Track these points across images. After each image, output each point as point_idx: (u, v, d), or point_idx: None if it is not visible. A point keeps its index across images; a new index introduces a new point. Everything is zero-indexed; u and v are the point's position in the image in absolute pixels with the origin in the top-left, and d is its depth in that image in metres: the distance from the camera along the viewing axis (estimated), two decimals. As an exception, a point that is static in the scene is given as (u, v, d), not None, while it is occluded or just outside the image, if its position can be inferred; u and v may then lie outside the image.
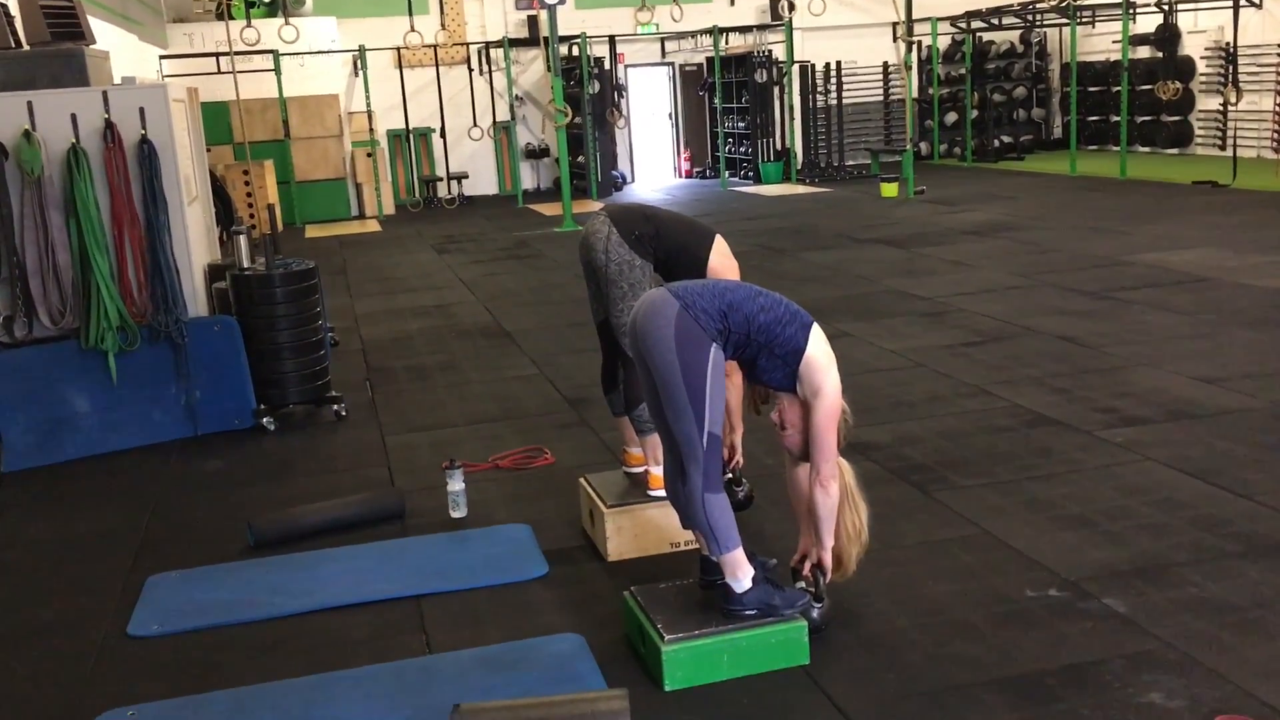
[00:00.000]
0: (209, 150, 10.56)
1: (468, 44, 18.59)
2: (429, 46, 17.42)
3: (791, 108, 18.44)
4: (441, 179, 18.20)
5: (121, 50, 12.21)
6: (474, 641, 3.69)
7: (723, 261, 4.33)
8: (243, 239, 6.34)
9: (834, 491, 3.49)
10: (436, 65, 17.73)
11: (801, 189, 17.33)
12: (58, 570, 4.56)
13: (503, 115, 18.64)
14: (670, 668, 3.31)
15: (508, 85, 18.24)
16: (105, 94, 5.98)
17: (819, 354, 3.44)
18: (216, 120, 16.27)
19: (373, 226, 15.85)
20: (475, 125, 17.78)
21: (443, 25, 18.77)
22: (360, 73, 17.24)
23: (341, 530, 4.65)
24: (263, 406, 6.21)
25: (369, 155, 17.11)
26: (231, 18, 16.81)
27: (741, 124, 19.18)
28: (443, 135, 18.04)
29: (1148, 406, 5.63)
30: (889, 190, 15.49)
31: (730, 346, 3.40)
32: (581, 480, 4.57)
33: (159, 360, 6.09)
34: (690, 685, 3.32)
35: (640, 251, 4.22)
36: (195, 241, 6.49)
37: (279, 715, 3.25)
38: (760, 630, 3.38)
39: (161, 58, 15.96)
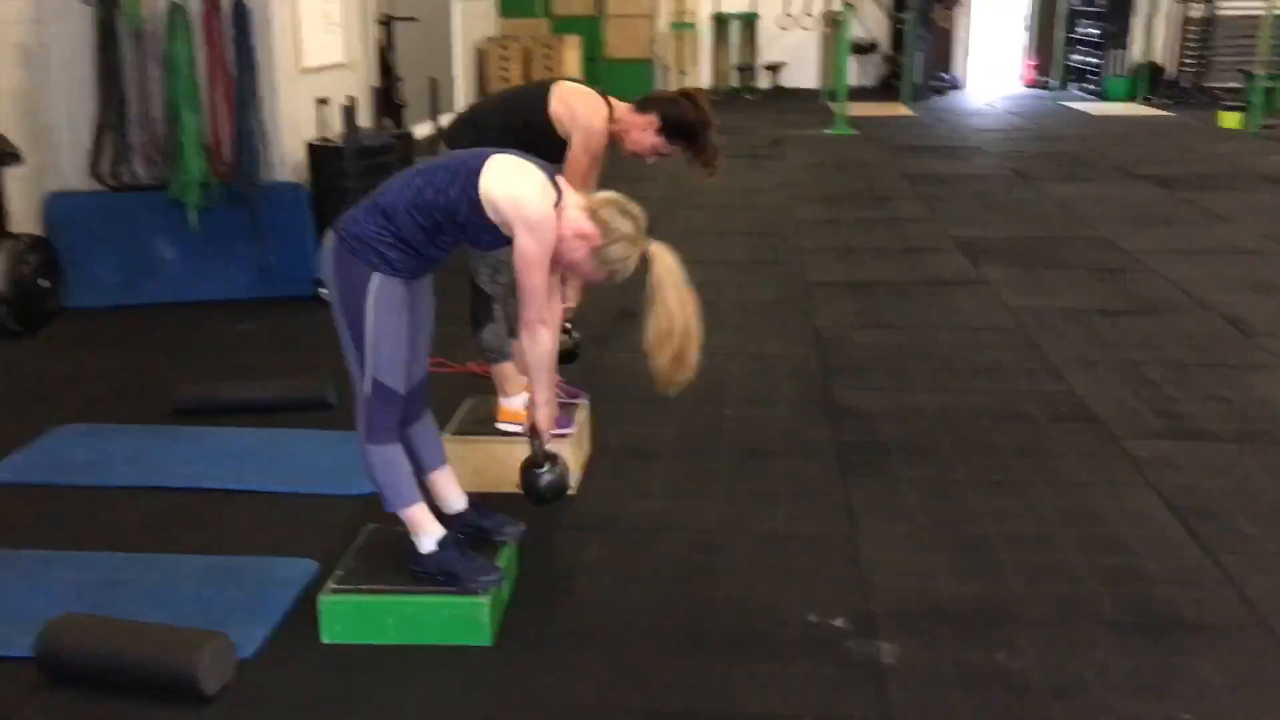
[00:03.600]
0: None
1: (805, -74, 17.72)
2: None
3: (1151, 16, 16.24)
4: (752, 67, 17.67)
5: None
6: (237, 548, 3.57)
7: (563, 106, 3.77)
8: (338, 109, 6.41)
9: (542, 339, 3.01)
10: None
11: (1139, 110, 15.34)
12: (13, 406, 4.87)
13: (836, 3, 17.73)
14: (327, 619, 3.04)
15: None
16: (211, -46, 6.16)
17: (494, 189, 2.87)
18: (537, -8, 16.66)
19: (661, 110, 15.65)
20: (786, 14, 17.04)
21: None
22: (681, -49, 16.93)
23: (259, 410, 4.65)
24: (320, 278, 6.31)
25: (679, 38, 16.87)
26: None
27: (1095, 31, 17.14)
28: (751, 22, 17.46)
29: (1232, 419, 4.52)
30: (1229, 120, 13.39)
31: (426, 247, 2.93)
32: (467, 400, 4.29)
33: (239, 220, 6.32)
34: (350, 641, 3.04)
35: None
36: (300, 109, 6.62)
37: (42, 585, 3.30)
38: (431, 599, 3.03)
39: (490, -73, 16.41)
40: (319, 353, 5.46)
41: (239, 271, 6.41)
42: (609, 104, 3.86)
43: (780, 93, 17.61)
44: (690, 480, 4.03)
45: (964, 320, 5.90)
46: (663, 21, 17.17)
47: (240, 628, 3.05)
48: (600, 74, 16.68)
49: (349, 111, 6.37)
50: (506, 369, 4.01)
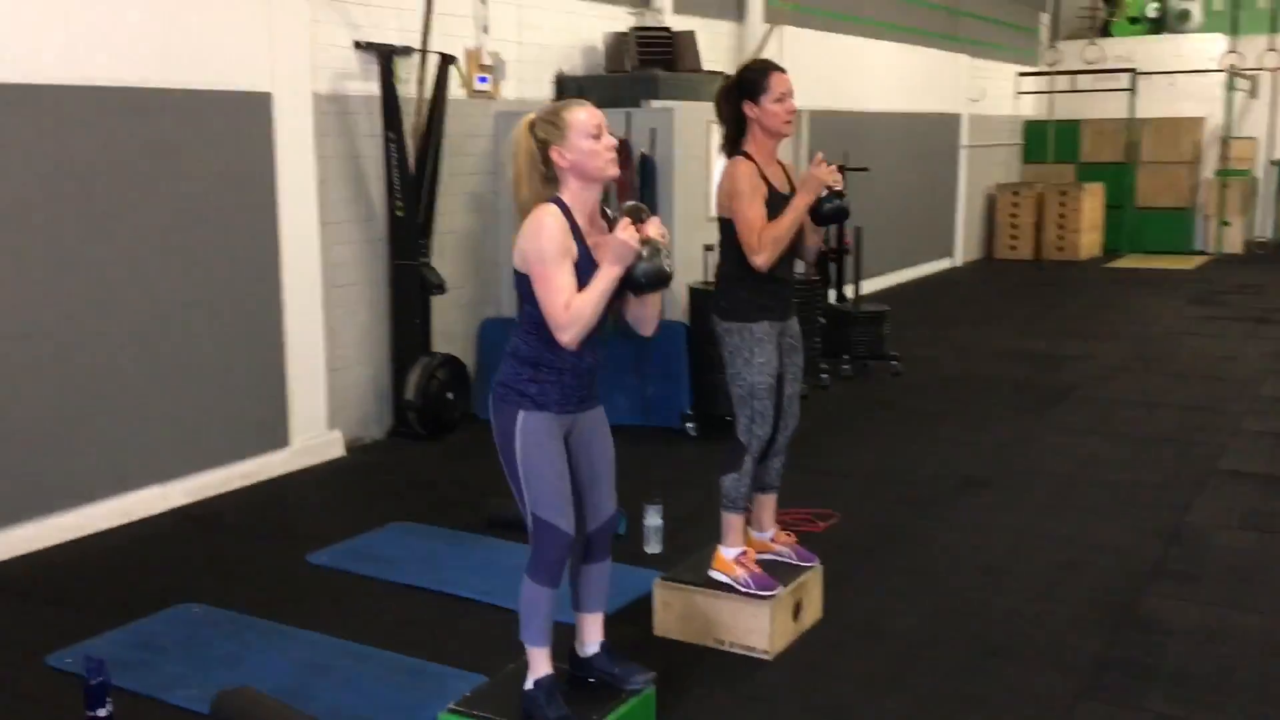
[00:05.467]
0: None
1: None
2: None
3: None
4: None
5: (967, 70, 14.63)
6: (443, 655, 3.84)
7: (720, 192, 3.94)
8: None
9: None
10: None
11: None
12: (383, 498, 5.59)
13: None
14: (443, 733, 3.21)
15: None
16: (628, 115, 6.81)
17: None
18: (1064, 138, 16.09)
19: (1188, 264, 14.35)
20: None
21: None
22: (1233, 92, 15.53)
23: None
24: (689, 412, 6.60)
25: (1224, 186, 15.43)
26: (1107, 34, 16.48)
27: None
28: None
29: None
30: None
31: (544, 352, 3.05)
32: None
33: (628, 353, 6.80)
34: (462, 760, 3.18)
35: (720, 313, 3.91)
36: (693, 253, 7.00)
37: (275, 656, 3.84)
38: (525, 736, 3.09)
39: (1019, 74, 16.20)
40: (660, 483, 5.73)
41: (622, 399, 6.87)
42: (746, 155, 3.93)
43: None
44: (904, 671, 3.71)
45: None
46: (1208, 168, 15.82)
47: (382, 728, 3.32)
48: (1127, 222, 15.73)
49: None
50: (734, 520, 3.98)
